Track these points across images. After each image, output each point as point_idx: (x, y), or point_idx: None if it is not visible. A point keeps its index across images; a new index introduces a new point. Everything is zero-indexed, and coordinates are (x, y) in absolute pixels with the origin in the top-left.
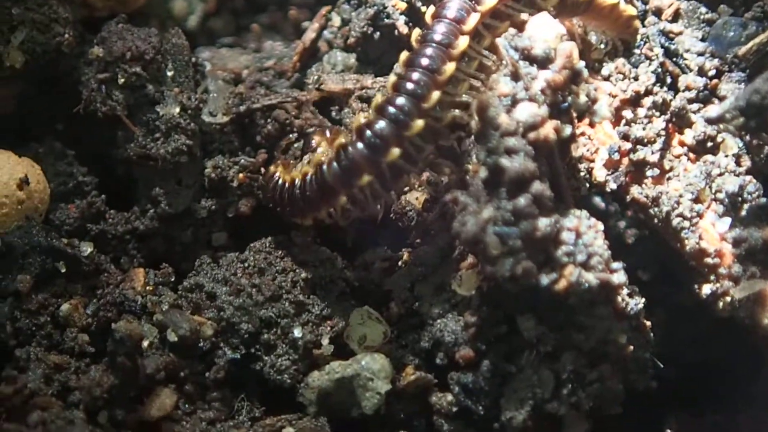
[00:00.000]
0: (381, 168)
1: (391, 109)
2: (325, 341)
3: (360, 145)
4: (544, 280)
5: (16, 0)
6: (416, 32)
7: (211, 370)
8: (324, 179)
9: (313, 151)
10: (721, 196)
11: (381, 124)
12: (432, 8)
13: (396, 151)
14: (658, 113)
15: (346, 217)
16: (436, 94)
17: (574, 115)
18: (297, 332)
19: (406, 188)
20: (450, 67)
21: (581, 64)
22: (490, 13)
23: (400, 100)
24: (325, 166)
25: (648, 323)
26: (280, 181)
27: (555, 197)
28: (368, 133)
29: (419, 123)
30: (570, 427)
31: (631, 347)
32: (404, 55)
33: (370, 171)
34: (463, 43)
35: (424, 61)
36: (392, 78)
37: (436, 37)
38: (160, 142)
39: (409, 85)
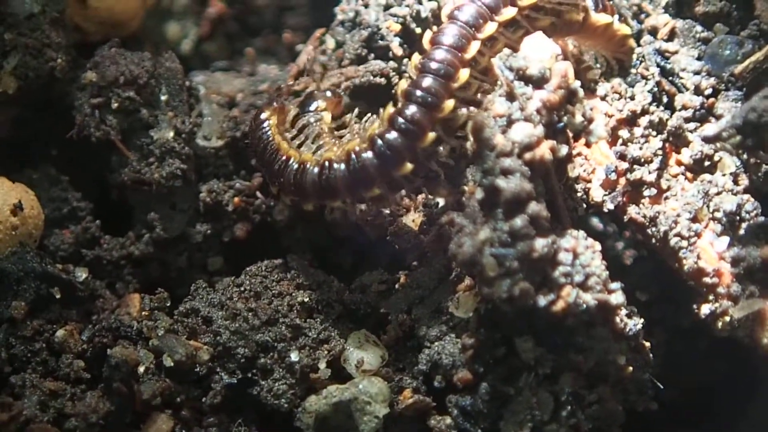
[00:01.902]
0: (362, 198)
1: (382, 146)
2: (322, 365)
3: (343, 168)
4: (542, 301)
5: (9, 25)
6: (416, 58)
7: (207, 395)
8: (303, 185)
9: (310, 111)
10: (719, 215)
11: (368, 156)
12: (429, 33)
13: (376, 191)
14: (654, 133)
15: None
16: (431, 135)
17: (570, 135)
18: (294, 356)
19: (402, 210)
20: (449, 104)
21: (577, 83)
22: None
23: (393, 137)
24: (311, 169)
25: (647, 344)
26: (270, 140)
27: (552, 218)
28: (355, 160)
29: (408, 166)
30: None
31: (631, 368)
32: (403, 84)
33: (350, 198)
34: (464, 75)
35: (422, 96)
36: (389, 109)
37: (434, 67)
38: (155, 166)
39: (403, 124)
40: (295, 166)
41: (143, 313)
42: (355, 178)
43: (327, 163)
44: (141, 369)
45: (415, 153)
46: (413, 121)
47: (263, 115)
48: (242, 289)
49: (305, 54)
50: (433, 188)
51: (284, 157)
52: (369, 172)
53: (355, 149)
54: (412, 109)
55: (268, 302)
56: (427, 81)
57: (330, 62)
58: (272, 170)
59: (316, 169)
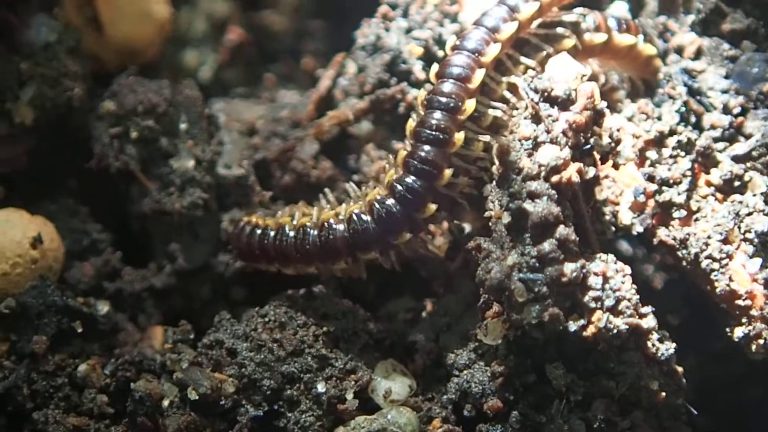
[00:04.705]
0: (392, 246)
1: (400, 189)
2: (349, 396)
3: (341, 228)
4: (572, 326)
5: (25, 55)
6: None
7: (233, 428)
8: (301, 246)
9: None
10: (750, 236)
11: (393, 201)
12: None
13: (405, 235)
14: (683, 153)
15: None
16: (448, 172)
17: (598, 156)
18: (320, 387)
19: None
20: (471, 105)
21: (603, 104)
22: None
23: (411, 180)
24: (310, 231)
25: (680, 368)
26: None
27: (580, 241)
28: (379, 208)
29: (432, 207)
30: None
31: (664, 393)
32: (422, 94)
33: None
34: (470, 105)
35: (445, 102)
36: (401, 153)
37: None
38: (175, 196)
39: (419, 165)
40: (292, 233)
41: (166, 345)
42: (382, 227)
43: (326, 223)
44: (165, 403)
45: (434, 191)
46: (427, 162)
47: (244, 218)
48: (267, 319)
49: (326, 79)
50: (458, 214)
51: (275, 228)
52: (396, 218)
53: (377, 197)
54: (437, 116)
55: (293, 333)
56: (435, 117)
57: (351, 87)
58: (266, 246)
59: (341, 226)
